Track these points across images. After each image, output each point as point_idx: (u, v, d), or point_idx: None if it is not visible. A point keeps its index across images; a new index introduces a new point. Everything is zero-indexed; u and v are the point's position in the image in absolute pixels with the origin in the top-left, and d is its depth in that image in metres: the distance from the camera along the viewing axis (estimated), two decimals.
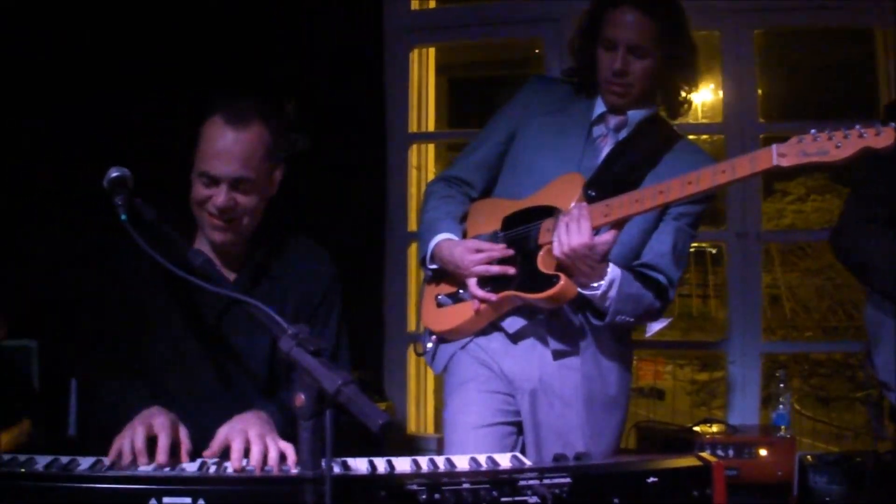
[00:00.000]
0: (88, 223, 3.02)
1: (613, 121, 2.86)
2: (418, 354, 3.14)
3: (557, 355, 2.84)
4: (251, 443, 2.12)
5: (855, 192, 3.21)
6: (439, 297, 2.97)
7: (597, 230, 2.56)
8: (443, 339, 3.02)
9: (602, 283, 2.62)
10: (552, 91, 3.00)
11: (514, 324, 2.87)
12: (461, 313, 2.90)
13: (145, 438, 2.10)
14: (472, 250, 2.81)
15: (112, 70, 4.44)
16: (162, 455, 2.09)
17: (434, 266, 2.98)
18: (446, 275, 2.96)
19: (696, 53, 2.86)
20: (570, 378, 2.84)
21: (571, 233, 2.55)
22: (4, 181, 4.39)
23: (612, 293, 2.64)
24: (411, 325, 4.92)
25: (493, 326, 2.91)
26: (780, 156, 2.28)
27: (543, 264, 2.70)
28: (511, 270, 2.75)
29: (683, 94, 2.88)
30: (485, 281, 2.80)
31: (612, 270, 2.63)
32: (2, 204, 4.35)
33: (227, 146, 2.40)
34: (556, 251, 2.59)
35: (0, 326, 4.39)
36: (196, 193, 2.46)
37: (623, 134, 2.87)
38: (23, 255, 4.35)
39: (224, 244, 2.50)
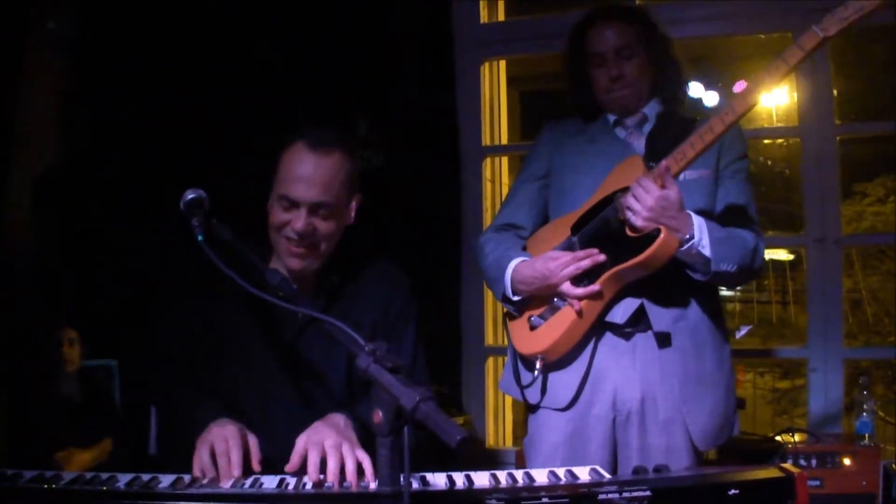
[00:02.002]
0: (167, 244, 3.07)
1: (631, 121, 3.01)
2: (520, 387, 3.04)
3: (661, 340, 2.86)
4: (327, 455, 2.14)
5: None
6: (532, 318, 2.95)
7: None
8: (547, 362, 2.94)
9: (693, 231, 2.67)
10: (568, 123, 3.16)
11: (616, 313, 2.87)
12: (561, 322, 2.87)
13: (241, 454, 2.15)
14: (554, 258, 2.83)
15: (191, 95, 4.53)
16: (235, 469, 2.12)
17: (517, 298, 2.98)
18: (530, 300, 2.96)
19: (672, 46, 3.04)
20: (673, 376, 2.85)
21: (640, 197, 2.66)
22: (85, 203, 4.49)
23: (705, 239, 2.68)
24: (489, 339, 4.91)
25: (596, 332, 2.91)
26: (823, 30, 2.50)
27: (635, 231, 2.74)
28: (602, 258, 2.78)
29: (676, 84, 3.04)
30: (577, 281, 2.81)
31: (695, 217, 2.70)
32: (82, 225, 4.45)
33: (309, 171, 2.43)
34: (639, 221, 2.67)
35: (78, 346, 4.49)
36: (275, 218, 2.49)
37: (647, 128, 2.99)
38: (103, 275, 4.45)
39: (300, 271, 2.52)
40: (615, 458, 2.95)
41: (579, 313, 2.82)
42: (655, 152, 2.82)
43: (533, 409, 3.04)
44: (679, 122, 2.90)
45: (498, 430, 5.01)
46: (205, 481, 2.10)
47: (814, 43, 2.52)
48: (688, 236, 2.67)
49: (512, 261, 2.95)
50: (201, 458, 2.15)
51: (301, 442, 2.20)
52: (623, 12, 3.00)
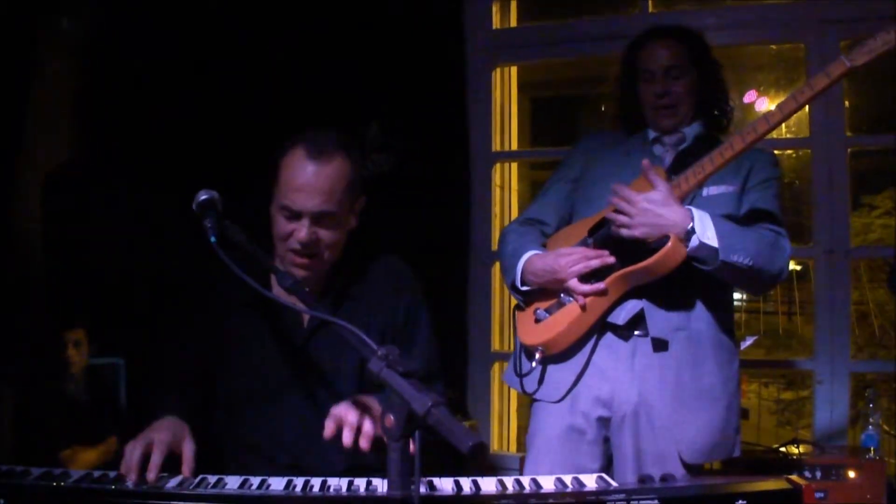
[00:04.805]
0: (178, 245, 3.08)
1: (670, 139, 3.05)
2: (517, 375, 3.11)
3: (657, 345, 2.89)
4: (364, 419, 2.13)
5: None
6: (538, 311, 3.01)
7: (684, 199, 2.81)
8: (546, 354, 3.00)
9: (693, 223, 2.70)
10: (606, 135, 3.24)
11: (618, 314, 2.92)
12: (566, 317, 2.93)
13: (141, 455, 2.08)
14: (566, 254, 2.90)
15: (203, 96, 4.53)
16: (151, 473, 2.06)
17: (526, 288, 3.02)
18: (540, 293, 3.01)
19: (721, 71, 3.11)
20: (668, 383, 2.89)
21: (624, 209, 2.75)
22: (94, 202, 4.50)
23: (710, 230, 2.72)
24: (495, 344, 4.92)
25: (598, 331, 2.95)
26: (851, 60, 2.58)
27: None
28: (611, 259, 2.84)
29: (721, 108, 3.10)
30: (585, 279, 2.86)
31: (695, 210, 2.74)
32: (92, 224, 4.46)
33: (309, 180, 2.37)
34: (635, 233, 2.74)
35: (87, 345, 4.51)
36: (279, 228, 2.44)
37: (683, 147, 3.04)
38: (112, 274, 4.45)
39: (305, 280, 2.46)
40: (608, 459, 3.00)
41: (583, 308, 2.87)
42: (680, 167, 2.87)
43: (532, 402, 3.11)
44: (713, 144, 2.91)
45: (502, 436, 5.01)
46: (131, 478, 2.06)
47: (841, 71, 2.59)
48: (688, 228, 2.70)
49: (527, 252, 3.01)
50: (127, 458, 2.10)
51: (337, 410, 2.18)
52: (677, 33, 3.07)
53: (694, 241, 2.71)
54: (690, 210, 2.73)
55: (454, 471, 2.13)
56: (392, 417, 1.69)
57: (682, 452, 2.85)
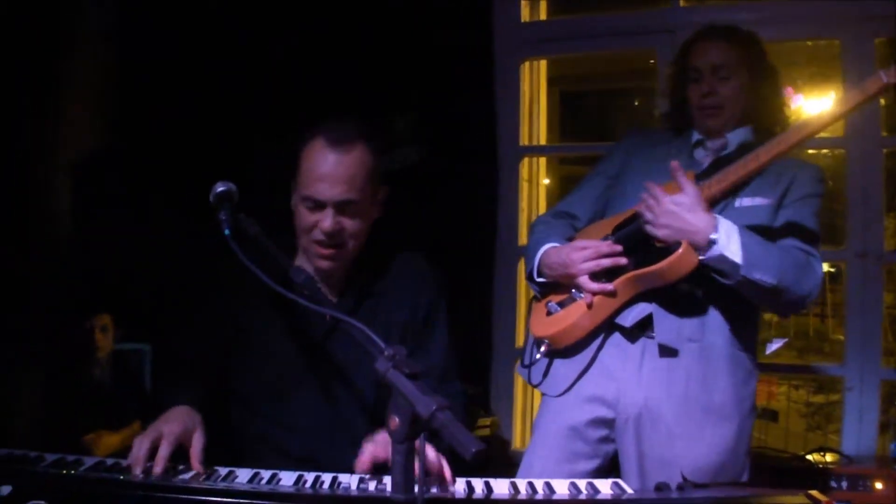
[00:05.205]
0: (204, 236, 3.07)
1: (713, 144, 2.97)
2: (524, 366, 3.10)
3: (664, 352, 2.83)
4: None
5: None
6: (549, 304, 2.98)
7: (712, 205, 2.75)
8: (552, 348, 2.99)
9: (718, 234, 2.63)
10: (650, 134, 3.20)
11: (626, 316, 2.87)
12: (574, 312, 2.90)
13: (148, 449, 2.07)
14: (580, 248, 2.86)
15: (233, 89, 4.53)
16: (157, 466, 2.04)
17: (542, 280, 3.01)
18: (555, 286, 2.99)
19: (777, 76, 3.02)
20: (676, 393, 2.82)
21: (651, 206, 2.72)
22: (123, 190, 4.52)
23: (734, 244, 2.64)
24: (519, 341, 4.87)
25: (606, 330, 2.91)
26: (889, 77, 2.51)
27: (660, 242, 2.75)
28: (623, 261, 2.80)
29: (772, 115, 3.00)
30: (597, 277, 2.83)
31: (722, 220, 2.67)
32: (121, 212, 4.48)
33: (331, 169, 2.37)
34: (658, 232, 2.71)
35: (113, 330, 4.54)
36: (302, 220, 2.44)
37: (724, 153, 2.95)
38: (140, 261, 4.47)
39: (330, 271, 2.47)
40: (609, 459, 2.95)
41: (589, 306, 2.84)
42: (713, 174, 2.81)
43: (542, 394, 3.09)
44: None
45: (525, 433, 4.97)
46: (137, 471, 2.04)
47: (877, 87, 2.54)
48: (712, 236, 2.63)
49: (546, 244, 2.99)
50: (134, 450, 2.08)
51: (368, 449, 2.17)
52: (730, 34, 2.98)
53: (713, 252, 2.64)
54: (717, 219, 2.66)
55: (470, 469, 2.10)
56: (397, 419, 1.66)
57: (683, 470, 2.76)
